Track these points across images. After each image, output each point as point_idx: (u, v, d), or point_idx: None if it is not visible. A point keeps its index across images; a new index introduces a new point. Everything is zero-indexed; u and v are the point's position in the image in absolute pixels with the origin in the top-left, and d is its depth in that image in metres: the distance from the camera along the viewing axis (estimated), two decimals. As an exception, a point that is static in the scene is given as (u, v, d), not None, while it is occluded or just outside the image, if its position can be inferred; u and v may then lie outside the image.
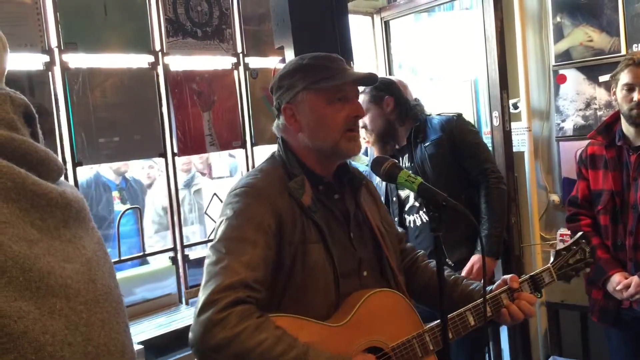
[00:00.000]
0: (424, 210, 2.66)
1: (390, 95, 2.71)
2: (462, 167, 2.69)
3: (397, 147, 2.77)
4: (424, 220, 2.70)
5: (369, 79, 1.59)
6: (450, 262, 2.69)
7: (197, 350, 1.32)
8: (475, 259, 2.65)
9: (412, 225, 2.76)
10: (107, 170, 3.73)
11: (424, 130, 2.70)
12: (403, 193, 2.80)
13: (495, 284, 1.67)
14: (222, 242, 1.40)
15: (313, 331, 1.38)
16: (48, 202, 0.67)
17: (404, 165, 2.71)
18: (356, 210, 1.60)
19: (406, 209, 2.79)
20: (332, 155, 1.54)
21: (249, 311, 1.31)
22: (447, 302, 1.58)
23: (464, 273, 2.63)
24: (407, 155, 2.73)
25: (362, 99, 2.65)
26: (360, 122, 2.65)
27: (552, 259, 1.77)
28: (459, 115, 2.77)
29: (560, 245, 1.81)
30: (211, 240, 1.47)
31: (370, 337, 1.45)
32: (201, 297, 1.33)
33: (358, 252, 1.55)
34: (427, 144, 2.67)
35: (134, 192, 3.81)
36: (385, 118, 2.70)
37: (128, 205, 3.53)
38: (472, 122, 2.95)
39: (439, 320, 1.49)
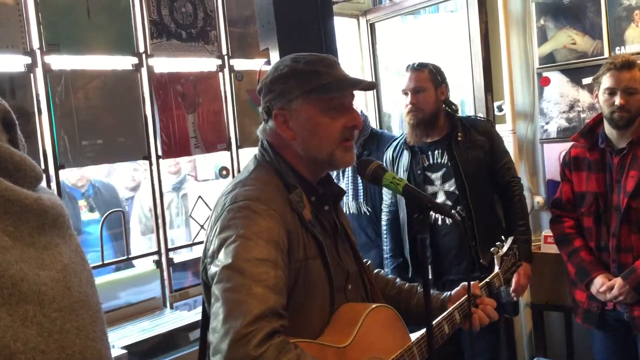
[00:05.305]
0: (458, 208, 2.68)
1: (446, 85, 2.76)
2: (493, 172, 2.73)
3: (428, 139, 2.75)
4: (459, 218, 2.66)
5: (367, 87, 1.58)
6: (484, 263, 2.62)
7: None
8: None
9: (440, 223, 2.73)
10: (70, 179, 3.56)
11: (462, 130, 2.71)
12: (431, 188, 2.75)
13: (454, 290, 1.70)
14: (240, 264, 1.26)
15: (327, 355, 1.33)
16: (22, 208, 0.66)
17: (435, 161, 2.74)
18: (336, 221, 1.55)
19: None
20: (326, 165, 1.50)
21: (285, 342, 1.22)
22: (408, 312, 1.63)
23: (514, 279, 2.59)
24: (439, 150, 2.72)
25: (421, 76, 2.69)
26: (410, 98, 2.69)
27: (497, 266, 1.85)
28: (491, 121, 2.87)
29: (500, 252, 1.89)
30: (196, 244, 1.44)
31: (370, 354, 1.42)
32: (228, 329, 1.19)
33: (346, 265, 1.51)
34: (467, 145, 2.69)
35: (102, 198, 3.64)
36: (436, 104, 2.72)
37: (96, 214, 3.45)
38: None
39: (421, 331, 1.51)
